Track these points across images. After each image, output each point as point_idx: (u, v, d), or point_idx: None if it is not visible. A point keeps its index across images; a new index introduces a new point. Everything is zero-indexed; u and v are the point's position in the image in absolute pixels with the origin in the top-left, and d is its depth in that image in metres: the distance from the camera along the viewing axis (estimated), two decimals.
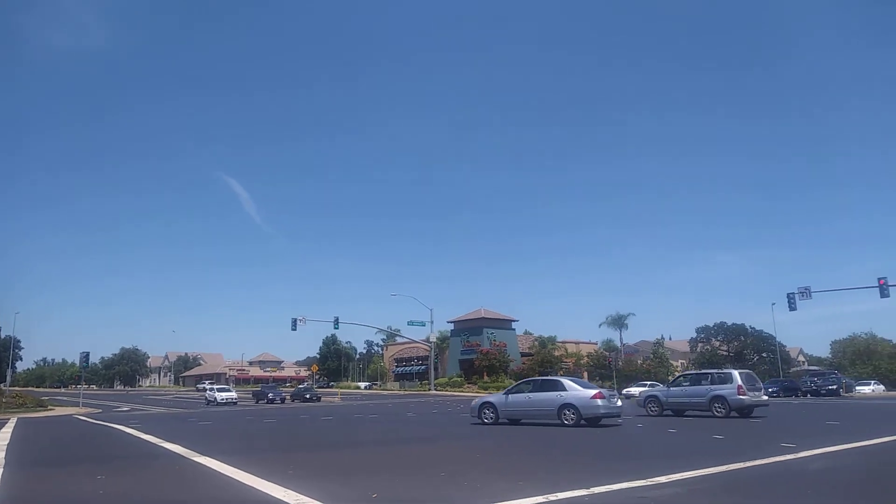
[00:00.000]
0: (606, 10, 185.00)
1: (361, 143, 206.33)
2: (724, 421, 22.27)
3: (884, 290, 43.15)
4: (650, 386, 59.48)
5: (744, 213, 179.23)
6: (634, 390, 58.40)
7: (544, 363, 72.65)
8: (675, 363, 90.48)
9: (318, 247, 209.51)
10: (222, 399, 51.87)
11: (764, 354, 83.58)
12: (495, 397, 22.75)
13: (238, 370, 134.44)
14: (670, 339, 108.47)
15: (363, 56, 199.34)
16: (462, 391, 69.01)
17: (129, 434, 20.16)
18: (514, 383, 25.88)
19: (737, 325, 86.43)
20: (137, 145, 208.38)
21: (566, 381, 21.52)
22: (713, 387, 24.61)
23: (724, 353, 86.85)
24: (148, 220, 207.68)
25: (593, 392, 20.25)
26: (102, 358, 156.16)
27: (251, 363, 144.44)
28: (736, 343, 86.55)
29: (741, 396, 23.80)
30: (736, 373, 25.31)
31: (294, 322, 65.44)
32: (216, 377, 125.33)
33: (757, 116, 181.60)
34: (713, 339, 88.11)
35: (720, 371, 27.87)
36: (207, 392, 57.60)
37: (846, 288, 52.20)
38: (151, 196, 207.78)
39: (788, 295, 47.08)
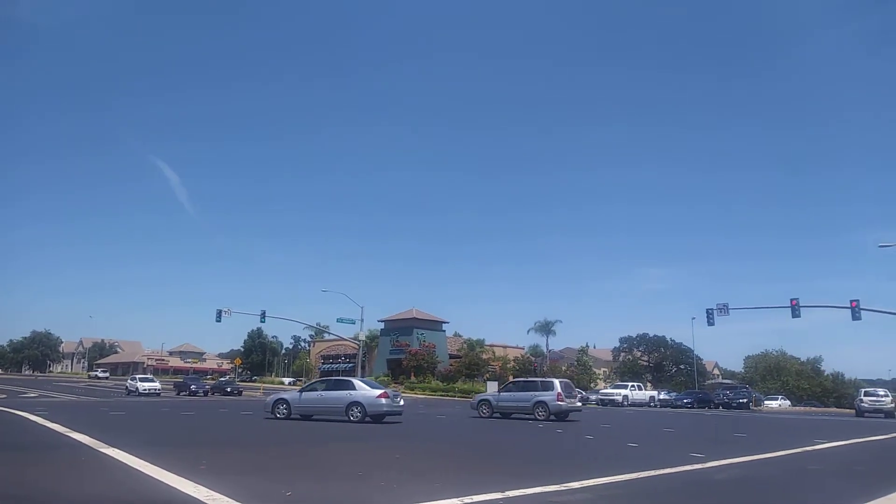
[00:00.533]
0: (590, 14, 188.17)
1: (304, 142, 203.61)
2: (642, 429, 22.97)
3: (795, 310, 45.40)
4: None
5: (671, 225, 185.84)
6: None
7: (471, 365, 73.15)
8: (597, 371, 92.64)
9: (249, 239, 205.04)
10: (144, 389, 49.66)
11: (682, 366, 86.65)
12: (289, 394, 24.44)
13: (157, 360, 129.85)
14: (595, 347, 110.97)
15: (318, 55, 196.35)
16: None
17: (33, 422, 19.19)
18: (309, 381, 28.02)
19: (658, 337, 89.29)
20: (67, 126, 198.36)
21: (356, 381, 23.90)
22: (537, 393, 26.98)
23: (645, 363, 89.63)
24: (70, 201, 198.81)
25: (379, 392, 22.41)
26: (11, 340, 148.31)
27: (171, 353, 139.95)
28: (656, 354, 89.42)
29: (559, 402, 26.25)
30: (557, 381, 28.23)
31: (219, 313, 63.42)
32: (134, 366, 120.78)
33: (700, 128, 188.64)
34: (635, 350, 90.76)
35: (544, 379, 30.77)
36: (129, 381, 55.18)
37: (761, 307, 54.27)
38: (74, 175, 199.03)
39: (707, 311, 48.88)
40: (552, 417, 25.96)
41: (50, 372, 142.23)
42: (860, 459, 14.89)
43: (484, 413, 27.49)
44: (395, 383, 72.03)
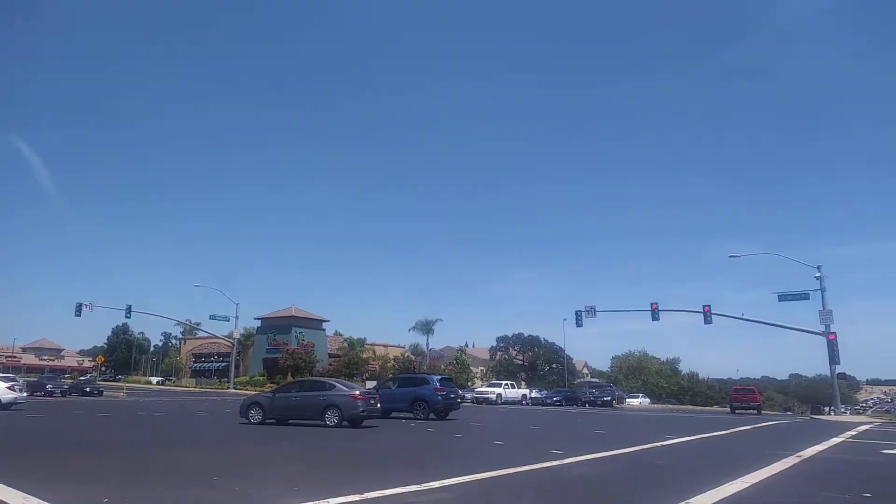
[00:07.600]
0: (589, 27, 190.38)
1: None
2: (510, 427, 23.63)
3: (655, 314, 48.67)
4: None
5: (542, 233, 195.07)
6: None
7: (351, 364, 72.54)
8: (475, 369, 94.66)
9: (117, 230, 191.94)
10: None
11: (554, 365, 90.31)
12: None
13: (8, 357, 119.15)
14: (474, 346, 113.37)
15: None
16: (263, 390, 66.92)
17: None
18: None
19: (532, 337, 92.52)
20: None
21: None
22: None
23: (520, 362, 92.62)
24: None
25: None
26: None
27: (25, 350, 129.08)
28: (530, 353, 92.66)
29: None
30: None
31: (78, 307, 59.73)
32: None
33: (552, 139, 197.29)
34: (511, 349, 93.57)
35: None
36: None
37: (626, 310, 57.79)
38: None
39: (576, 312, 51.61)
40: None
41: None
42: (704, 454, 16.10)
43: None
44: (272, 383, 70.25)
